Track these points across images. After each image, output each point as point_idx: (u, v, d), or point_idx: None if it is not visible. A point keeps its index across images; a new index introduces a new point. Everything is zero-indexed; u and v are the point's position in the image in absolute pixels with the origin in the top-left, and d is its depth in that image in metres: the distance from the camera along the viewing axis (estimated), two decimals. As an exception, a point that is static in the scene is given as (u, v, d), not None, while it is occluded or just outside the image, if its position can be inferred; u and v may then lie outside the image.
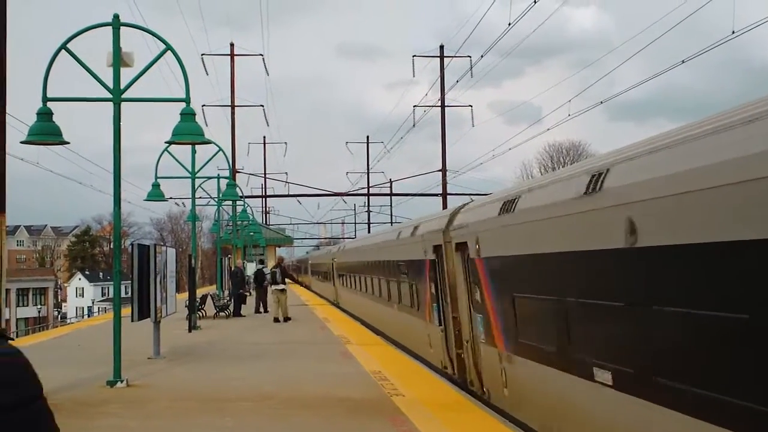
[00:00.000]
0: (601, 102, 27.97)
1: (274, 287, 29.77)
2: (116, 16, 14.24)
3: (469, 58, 49.71)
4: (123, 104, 14.28)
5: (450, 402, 12.40)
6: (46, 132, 13.88)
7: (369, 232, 72.34)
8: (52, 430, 2.41)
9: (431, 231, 17.39)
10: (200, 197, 38.80)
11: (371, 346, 20.78)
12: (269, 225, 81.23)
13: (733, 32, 19.36)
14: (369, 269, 29.82)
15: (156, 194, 26.60)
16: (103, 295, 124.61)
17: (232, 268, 37.50)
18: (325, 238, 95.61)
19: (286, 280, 30.81)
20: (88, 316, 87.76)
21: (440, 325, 16.78)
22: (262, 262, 41.07)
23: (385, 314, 26.18)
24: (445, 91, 52.42)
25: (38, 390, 2.41)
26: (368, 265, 30.17)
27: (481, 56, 54.44)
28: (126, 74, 14.37)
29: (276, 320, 28.60)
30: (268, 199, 78.77)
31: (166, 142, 15.71)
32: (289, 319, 28.82)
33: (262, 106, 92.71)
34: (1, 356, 2.36)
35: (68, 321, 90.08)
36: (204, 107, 56.87)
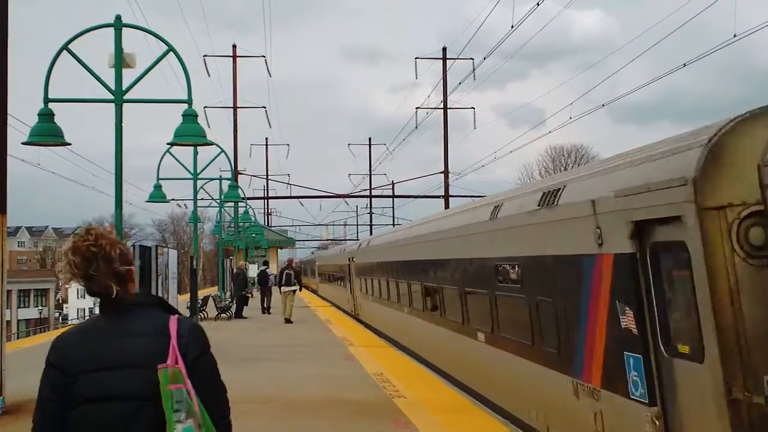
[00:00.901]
0: (603, 105, 28.01)
1: (286, 289, 29.81)
2: (118, 17, 14.23)
3: (471, 60, 49.76)
4: (125, 106, 14.26)
5: (452, 404, 12.37)
6: (47, 133, 13.84)
7: (371, 234, 72.18)
8: (218, 373, 3.61)
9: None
10: (202, 199, 38.74)
11: (374, 348, 20.75)
12: (271, 227, 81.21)
13: (735, 36, 19.39)
14: (418, 273, 19.50)
15: (158, 195, 26.55)
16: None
17: (234, 270, 37.50)
18: (327, 240, 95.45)
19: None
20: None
21: (653, 404, 7.33)
22: (266, 263, 40.71)
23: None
24: (448, 93, 52.44)
25: (209, 346, 3.64)
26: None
27: (484, 58, 54.38)
28: (128, 76, 14.36)
29: (287, 321, 28.61)
30: (270, 200, 78.92)
31: (168, 144, 15.67)
32: (290, 321, 28.76)
33: (264, 107, 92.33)
34: (192, 324, 3.62)
35: (69, 322, 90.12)
36: (206, 108, 56.90)
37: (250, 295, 37.14)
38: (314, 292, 63.11)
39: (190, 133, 14.31)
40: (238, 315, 31.94)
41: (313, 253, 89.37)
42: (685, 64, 22.68)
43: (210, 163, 40.14)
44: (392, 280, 23.65)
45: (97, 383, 3.36)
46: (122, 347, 3.40)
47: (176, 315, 3.61)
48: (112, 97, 14.15)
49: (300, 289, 32.14)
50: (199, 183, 30.04)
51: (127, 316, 3.49)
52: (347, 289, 36.99)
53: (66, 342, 3.55)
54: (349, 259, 35.99)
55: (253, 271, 44.62)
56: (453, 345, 15.61)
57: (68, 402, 3.42)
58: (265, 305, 34.30)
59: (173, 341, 3.42)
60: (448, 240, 15.99)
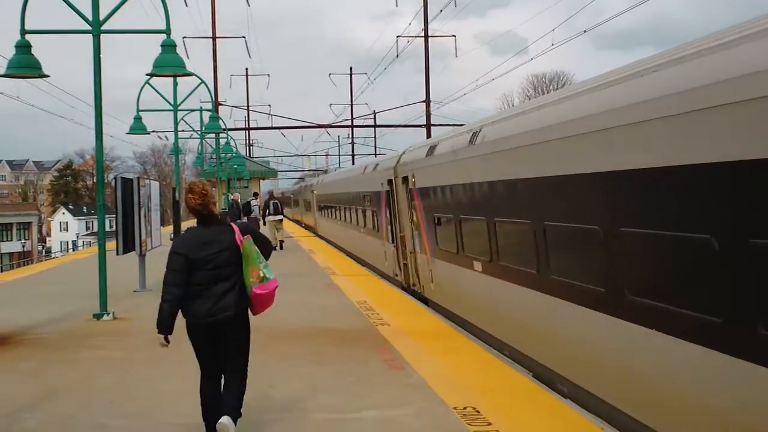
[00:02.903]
0: (585, 31, 27.62)
1: (271, 218, 30.36)
2: (93, -55, 13.98)
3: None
4: (105, 38, 14.10)
5: (433, 330, 12.56)
6: (25, 65, 13.71)
7: (353, 163, 72.11)
8: (261, 235, 7.17)
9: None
10: (183, 130, 38.47)
11: (356, 276, 20.93)
12: (253, 158, 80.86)
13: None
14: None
15: (138, 128, 26.39)
16: (87, 229, 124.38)
17: (230, 201, 37.10)
18: (310, 170, 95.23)
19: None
20: (73, 251, 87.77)
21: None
22: (256, 195, 40.16)
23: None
24: (429, 21, 51.86)
25: (252, 228, 7.13)
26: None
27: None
28: (105, 6, 14.18)
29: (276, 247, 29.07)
30: (251, 131, 78.44)
31: (147, 74, 15.56)
32: (283, 242, 31.04)
33: (244, 37, 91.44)
34: (243, 223, 7.51)
35: (53, 255, 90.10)
36: (185, 39, 56.19)
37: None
38: (309, 229, 52.06)
39: (169, 63, 14.20)
40: None
41: (302, 180, 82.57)
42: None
43: (190, 94, 39.86)
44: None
45: (204, 259, 6.60)
46: (213, 239, 6.68)
47: (233, 223, 7.03)
48: (90, 28, 13.99)
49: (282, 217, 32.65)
50: (180, 114, 29.85)
51: (212, 225, 6.80)
52: (384, 239, 21.93)
53: (183, 240, 6.92)
54: (390, 181, 20.07)
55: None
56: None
57: (188, 270, 6.59)
58: None
59: (237, 233, 6.74)
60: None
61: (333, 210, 37.14)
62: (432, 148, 15.69)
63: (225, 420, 6.51)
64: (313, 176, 69.85)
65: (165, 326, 6.57)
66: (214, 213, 6.84)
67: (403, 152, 19.80)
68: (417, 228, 17.40)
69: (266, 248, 7.02)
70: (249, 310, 6.90)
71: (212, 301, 6.57)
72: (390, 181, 20.16)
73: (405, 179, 18.24)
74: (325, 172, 59.28)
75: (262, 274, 6.72)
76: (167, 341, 6.62)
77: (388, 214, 21.01)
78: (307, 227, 53.85)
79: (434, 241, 15.56)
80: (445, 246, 14.77)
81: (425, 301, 16.78)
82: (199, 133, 40.25)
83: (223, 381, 6.84)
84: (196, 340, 6.77)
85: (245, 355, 6.91)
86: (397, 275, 20.52)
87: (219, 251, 6.58)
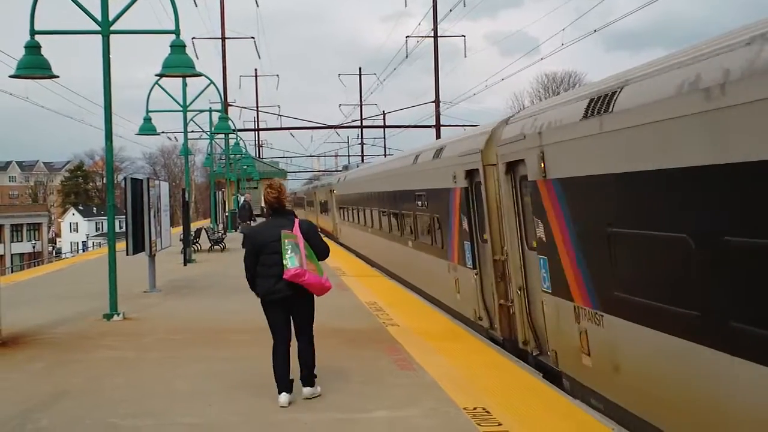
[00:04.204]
0: (595, 30, 27.55)
1: None
2: (103, -54, 14.02)
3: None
4: (115, 39, 14.14)
5: (444, 331, 12.54)
6: (34, 65, 13.74)
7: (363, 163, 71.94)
8: (319, 235, 8.50)
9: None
10: (192, 131, 38.61)
11: (367, 277, 20.92)
12: (262, 158, 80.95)
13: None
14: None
15: (148, 128, 26.47)
16: (97, 230, 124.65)
17: (240, 202, 37.29)
18: (319, 171, 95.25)
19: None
20: (83, 251, 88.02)
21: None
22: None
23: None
24: (438, 21, 51.83)
25: (313, 225, 8.51)
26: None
27: (474, -16, 53.60)
28: (115, 7, 14.22)
29: None
30: (260, 132, 78.51)
31: (156, 75, 15.58)
32: None
33: (253, 38, 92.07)
34: (305, 220, 8.39)
35: (63, 256, 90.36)
36: (194, 40, 56.35)
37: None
38: (326, 236, 43.84)
39: (179, 64, 14.24)
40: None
41: (316, 180, 77.57)
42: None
43: (199, 94, 39.98)
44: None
45: (270, 245, 7.95)
46: (278, 231, 7.98)
47: (298, 218, 8.27)
48: (99, 29, 14.02)
49: None
50: (189, 115, 29.91)
51: (281, 218, 8.19)
52: (455, 259, 15.46)
53: (255, 230, 8.45)
54: (471, 172, 13.94)
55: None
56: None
57: (258, 254, 8.09)
58: None
59: (296, 224, 8.07)
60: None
61: (362, 214, 30.14)
62: (604, 102, 8.20)
63: (306, 391, 8.25)
64: (324, 175, 68.27)
65: (254, 291, 8.34)
66: (285, 207, 8.29)
67: (506, 120, 12.50)
68: (544, 250, 10.07)
69: (319, 249, 8.29)
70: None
71: (273, 280, 7.96)
72: (470, 173, 13.67)
73: (511, 165, 11.43)
74: (346, 168, 49.86)
75: (285, 262, 7.85)
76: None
77: (465, 224, 14.13)
78: (324, 233, 50.60)
79: (598, 279, 8.54)
80: (634, 291, 7.69)
81: (557, 377, 10.00)
82: (208, 133, 40.31)
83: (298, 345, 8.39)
84: (268, 312, 8.26)
85: (312, 323, 8.47)
86: (480, 319, 13.71)
87: (279, 239, 7.91)
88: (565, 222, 9.30)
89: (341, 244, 36.77)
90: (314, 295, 8.33)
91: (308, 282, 7.95)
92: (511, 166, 11.46)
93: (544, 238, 10.02)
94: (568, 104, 9.40)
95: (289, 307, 8.15)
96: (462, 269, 14.78)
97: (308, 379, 8.29)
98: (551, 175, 9.60)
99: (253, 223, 30.35)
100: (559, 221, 9.48)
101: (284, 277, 7.83)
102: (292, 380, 8.18)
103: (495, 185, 12.38)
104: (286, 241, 7.86)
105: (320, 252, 8.25)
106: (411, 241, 19.91)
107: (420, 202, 18.37)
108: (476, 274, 13.79)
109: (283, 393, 8.08)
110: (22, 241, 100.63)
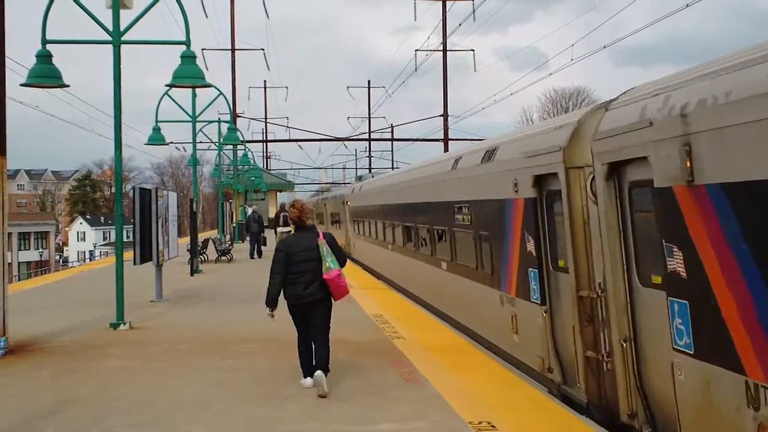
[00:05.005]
0: (605, 46, 27.66)
1: (281, 229, 30.91)
2: (115, -43, 14.10)
3: (471, 1, 49.17)
4: (125, 49, 14.21)
5: (449, 345, 12.52)
6: (45, 74, 13.81)
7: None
8: (338, 245, 9.67)
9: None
10: (201, 142, 38.71)
11: (372, 290, 20.91)
12: (270, 170, 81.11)
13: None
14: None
15: (157, 138, 26.55)
16: (104, 239, 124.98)
17: (249, 212, 37.45)
18: (326, 183, 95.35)
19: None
20: (90, 260, 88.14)
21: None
22: (283, 208, 38.25)
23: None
24: (448, 35, 51.98)
25: (333, 238, 9.66)
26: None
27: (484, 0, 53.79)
28: (126, 18, 14.30)
29: None
30: (268, 143, 78.75)
31: (166, 85, 15.64)
32: None
33: (263, 50, 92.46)
34: (326, 234, 9.59)
35: (70, 265, 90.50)
36: (204, 51, 56.59)
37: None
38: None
39: (189, 74, 14.30)
40: (259, 254, 33.07)
41: (326, 190, 73.65)
42: (688, 5, 22.42)
43: (209, 105, 40.10)
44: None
45: (299, 254, 9.22)
46: (305, 242, 9.31)
47: (321, 232, 9.41)
48: (110, 39, 14.09)
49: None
50: (198, 126, 29.95)
51: (305, 231, 9.47)
52: (512, 291, 12.10)
53: (286, 242, 9.41)
54: (540, 178, 10.59)
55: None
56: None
57: (288, 263, 9.20)
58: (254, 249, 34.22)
59: (321, 236, 9.33)
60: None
61: (381, 228, 26.03)
62: None
63: (319, 373, 9.03)
64: (332, 187, 67.65)
65: (271, 303, 9.28)
66: (307, 223, 9.60)
67: (605, 105, 9.10)
68: (685, 289, 6.86)
69: (341, 257, 9.57)
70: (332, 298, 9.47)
71: (302, 287, 9.22)
72: (541, 178, 10.44)
73: (616, 167, 8.25)
74: (360, 178, 44.80)
75: (328, 264, 9.19)
76: (273, 315, 9.38)
77: (530, 245, 10.91)
78: None
79: None
80: None
81: None
82: (217, 144, 40.37)
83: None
84: (293, 314, 9.48)
85: (328, 327, 9.51)
86: (550, 371, 10.47)
87: (307, 250, 9.25)
88: (732, 250, 6.08)
89: (354, 260, 32.17)
90: (332, 301, 9.52)
91: (343, 283, 9.29)
92: (616, 168, 8.29)
93: (684, 273, 6.81)
94: (745, 68, 6.04)
95: (310, 310, 9.36)
96: (522, 304, 11.45)
97: (322, 367, 9.22)
98: (708, 178, 6.36)
99: (281, 229, 30.89)
100: (720, 248, 6.25)
101: (324, 277, 9.16)
102: (315, 365, 9.23)
103: (581, 195, 9.31)
104: (324, 248, 9.26)
105: (342, 260, 9.54)
106: (446, 262, 16.62)
107: (461, 216, 14.99)
108: (545, 312, 10.49)
109: (308, 377, 9.37)
110: (29, 249, 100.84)
